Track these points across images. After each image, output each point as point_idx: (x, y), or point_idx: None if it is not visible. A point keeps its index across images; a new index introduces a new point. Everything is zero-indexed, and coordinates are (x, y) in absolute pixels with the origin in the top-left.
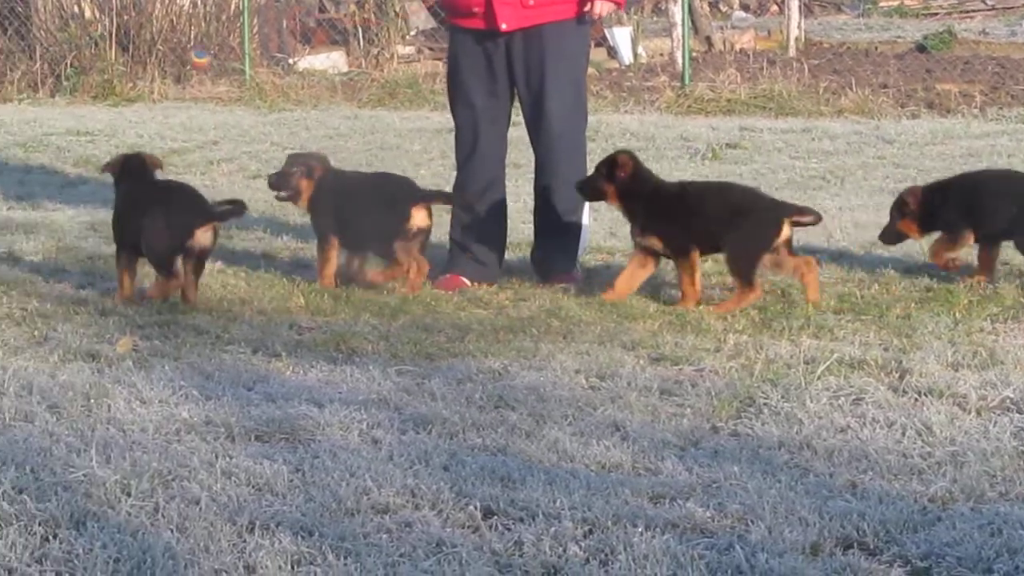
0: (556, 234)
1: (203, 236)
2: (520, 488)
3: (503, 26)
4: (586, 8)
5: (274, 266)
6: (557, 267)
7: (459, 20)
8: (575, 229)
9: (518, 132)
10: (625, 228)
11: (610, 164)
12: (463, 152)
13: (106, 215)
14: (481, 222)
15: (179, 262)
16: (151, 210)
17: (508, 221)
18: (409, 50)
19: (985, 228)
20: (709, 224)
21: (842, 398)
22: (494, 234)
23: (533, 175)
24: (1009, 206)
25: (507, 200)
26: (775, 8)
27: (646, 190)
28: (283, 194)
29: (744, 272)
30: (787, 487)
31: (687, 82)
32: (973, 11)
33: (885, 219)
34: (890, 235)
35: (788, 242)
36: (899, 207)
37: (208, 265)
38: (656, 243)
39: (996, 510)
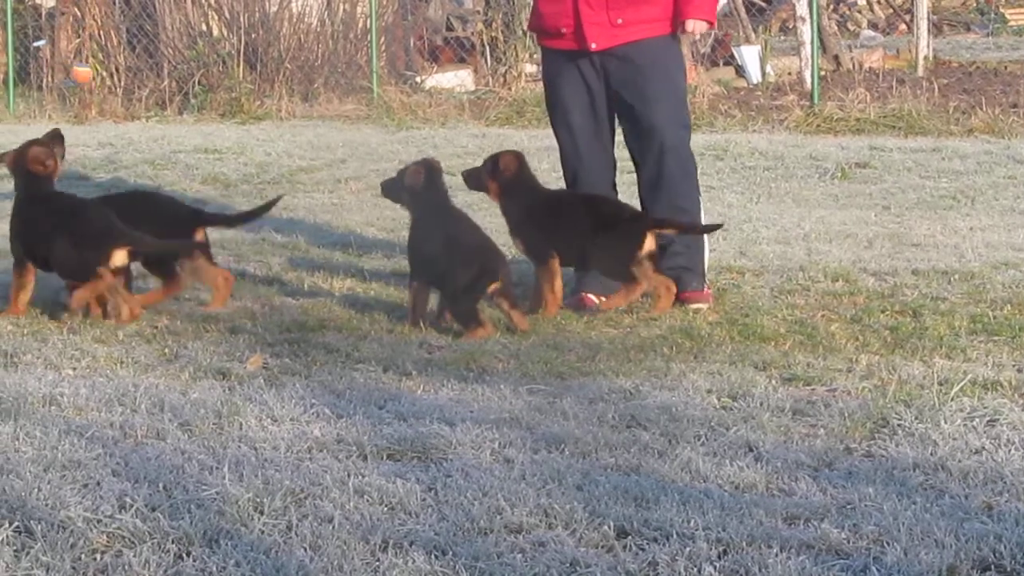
0: (680, 252)
1: None
2: (654, 508)
3: (592, 45)
4: (679, 27)
5: (403, 284)
6: (687, 286)
7: (549, 42)
8: (699, 245)
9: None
10: (755, 247)
11: (495, 161)
12: (568, 173)
13: (235, 233)
14: None
15: None
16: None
17: None
18: (534, 68)
19: None
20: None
21: (976, 419)
22: None
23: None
24: None
25: None
26: (903, 27)
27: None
28: None
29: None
30: (922, 508)
31: (816, 101)
32: None
33: (1016, 239)
34: None
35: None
36: None
37: (337, 283)
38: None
39: None
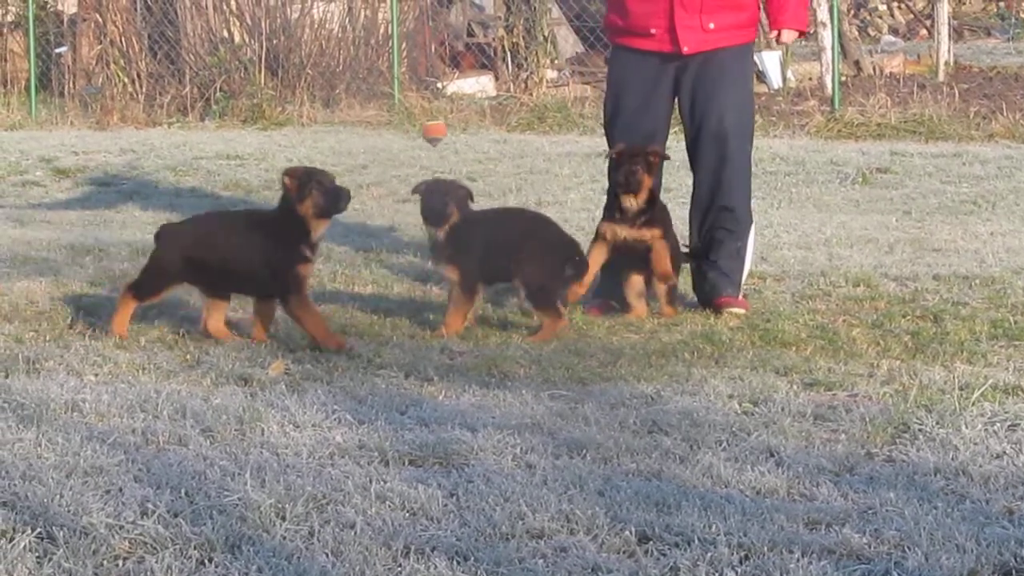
0: (723, 259)
1: None
2: (675, 513)
3: (685, 49)
4: (772, 35)
5: (424, 289)
6: (723, 292)
7: (632, 41)
8: (742, 255)
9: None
10: (776, 252)
11: None
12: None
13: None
14: None
15: None
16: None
17: None
18: (555, 74)
19: None
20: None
21: (997, 424)
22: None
23: (690, 200)
24: None
25: None
26: (924, 32)
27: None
28: None
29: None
30: (943, 513)
31: (837, 106)
32: None
33: None
34: None
35: None
36: None
37: (359, 289)
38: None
39: None
